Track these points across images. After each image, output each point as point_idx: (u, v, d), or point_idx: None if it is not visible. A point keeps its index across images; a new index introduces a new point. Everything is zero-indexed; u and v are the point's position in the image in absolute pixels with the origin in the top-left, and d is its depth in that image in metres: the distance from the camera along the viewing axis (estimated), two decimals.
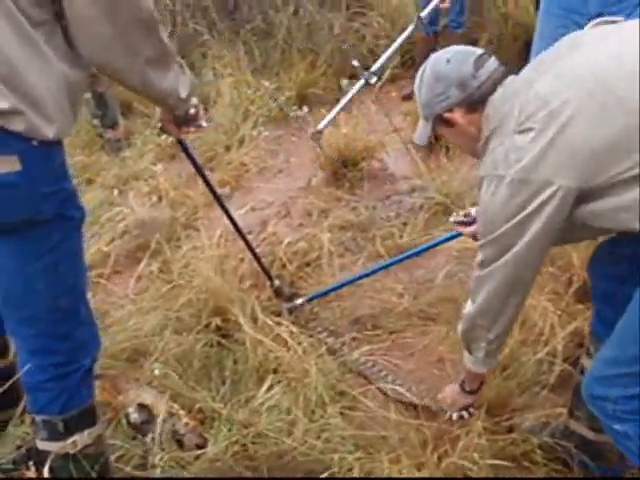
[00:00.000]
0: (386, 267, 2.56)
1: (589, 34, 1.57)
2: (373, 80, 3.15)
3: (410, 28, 3.36)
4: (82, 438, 1.66)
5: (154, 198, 3.28)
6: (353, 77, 4.21)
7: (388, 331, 2.47)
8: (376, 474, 1.85)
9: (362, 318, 2.54)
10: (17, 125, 1.35)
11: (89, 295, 2.62)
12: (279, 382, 2.11)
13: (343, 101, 3.18)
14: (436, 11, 4.27)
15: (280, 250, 2.80)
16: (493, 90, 1.56)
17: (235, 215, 2.40)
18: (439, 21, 4.21)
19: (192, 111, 1.80)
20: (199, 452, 1.90)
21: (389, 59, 3.32)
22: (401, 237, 2.84)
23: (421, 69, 1.67)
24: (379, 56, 4.22)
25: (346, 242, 2.91)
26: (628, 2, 2.27)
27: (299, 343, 2.24)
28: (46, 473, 1.57)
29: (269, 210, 3.20)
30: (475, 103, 1.57)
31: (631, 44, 1.40)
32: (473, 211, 1.91)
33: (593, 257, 1.74)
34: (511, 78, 1.58)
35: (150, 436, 1.94)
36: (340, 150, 3.34)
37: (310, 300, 2.54)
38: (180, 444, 1.96)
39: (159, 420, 1.97)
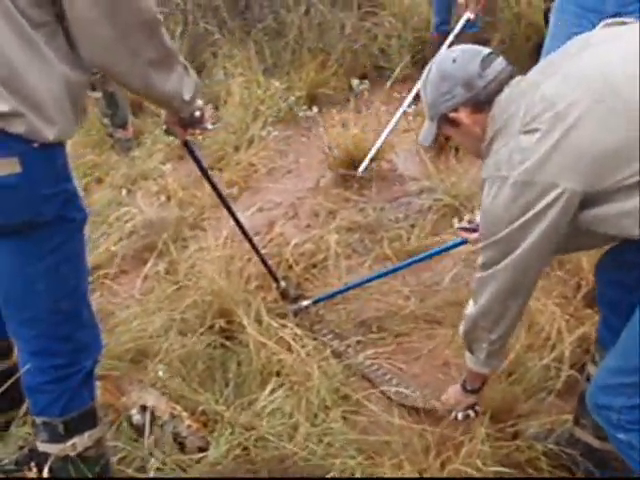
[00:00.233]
0: (392, 272, 2.55)
1: (599, 35, 1.55)
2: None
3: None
4: (82, 440, 1.66)
5: (162, 198, 3.28)
6: (364, 77, 4.21)
7: (394, 334, 2.45)
8: None
9: (368, 321, 2.52)
10: (17, 127, 1.35)
11: (95, 295, 2.67)
12: (282, 385, 2.10)
13: None
14: (449, 11, 4.25)
15: (287, 251, 2.78)
16: (500, 90, 1.54)
17: (242, 216, 2.39)
18: (451, 21, 4.18)
19: (197, 113, 1.79)
20: (200, 455, 1.90)
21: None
22: (409, 239, 2.81)
23: (427, 68, 1.66)
24: (390, 56, 4.25)
25: (353, 244, 2.90)
26: None
27: (303, 346, 2.22)
28: (46, 475, 1.57)
29: (277, 211, 3.19)
30: (481, 103, 1.55)
31: (637, 46, 1.38)
32: (478, 217, 1.89)
33: (599, 263, 1.71)
34: (518, 78, 1.56)
35: (152, 438, 1.94)
36: (349, 151, 3.32)
37: (315, 303, 2.53)
38: (182, 446, 1.95)
39: (161, 422, 1.97)
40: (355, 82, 4.11)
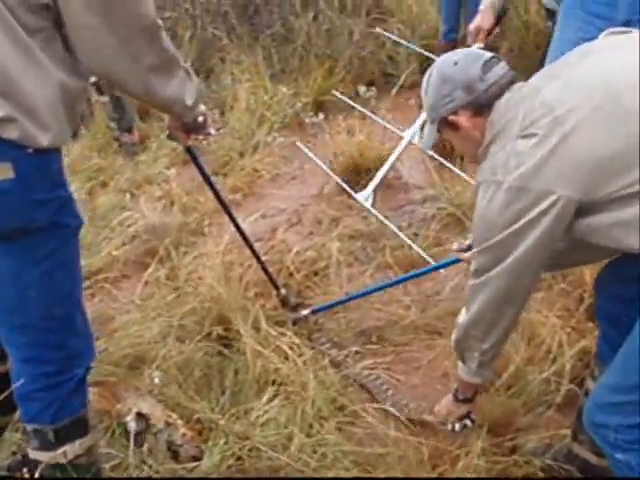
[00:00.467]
0: (392, 285, 2.54)
1: (602, 43, 1.53)
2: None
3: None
4: (73, 448, 1.64)
5: (165, 203, 3.28)
6: (371, 84, 4.19)
7: (393, 344, 2.43)
8: None
9: (368, 330, 2.50)
10: (11, 133, 1.34)
11: (95, 299, 2.67)
12: (278, 395, 2.09)
13: None
14: (457, 19, 4.23)
15: (288, 258, 2.77)
16: (500, 95, 1.52)
17: (245, 222, 2.38)
18: (459, 29, 4.17)
19: (200, 119, 1.76)
20: (194, 464, 1.88)
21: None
22: (411, 248, 2.79)
23: (428, 71, 1.64)
24: (398, 63, 4.23)
25: (355, 252, 2.88)
26: None
27: (300, 355, 2.21)
28: None
29: (280, 217, 3.18)
30: (481, 107, 1.53)
31: (637, 56, 1.37)
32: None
33: (598, 277, 1.69)
34: (520, 84, 1.54)
35: (146, 446, 1.93)
36: (354, 158, 3.31)
37: (315, 312, 2.51)
38: (176, 455, 1.94)
39: (155, 430, 1.95)
40: (362, 89, 4.10)
